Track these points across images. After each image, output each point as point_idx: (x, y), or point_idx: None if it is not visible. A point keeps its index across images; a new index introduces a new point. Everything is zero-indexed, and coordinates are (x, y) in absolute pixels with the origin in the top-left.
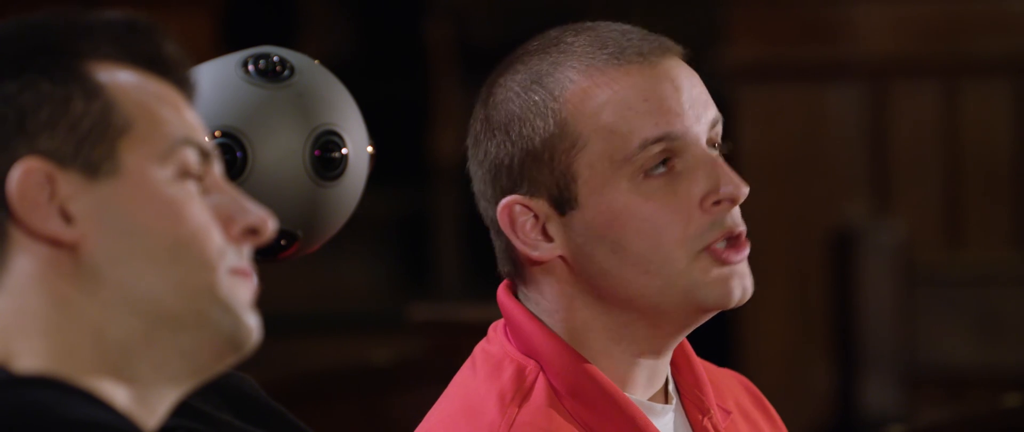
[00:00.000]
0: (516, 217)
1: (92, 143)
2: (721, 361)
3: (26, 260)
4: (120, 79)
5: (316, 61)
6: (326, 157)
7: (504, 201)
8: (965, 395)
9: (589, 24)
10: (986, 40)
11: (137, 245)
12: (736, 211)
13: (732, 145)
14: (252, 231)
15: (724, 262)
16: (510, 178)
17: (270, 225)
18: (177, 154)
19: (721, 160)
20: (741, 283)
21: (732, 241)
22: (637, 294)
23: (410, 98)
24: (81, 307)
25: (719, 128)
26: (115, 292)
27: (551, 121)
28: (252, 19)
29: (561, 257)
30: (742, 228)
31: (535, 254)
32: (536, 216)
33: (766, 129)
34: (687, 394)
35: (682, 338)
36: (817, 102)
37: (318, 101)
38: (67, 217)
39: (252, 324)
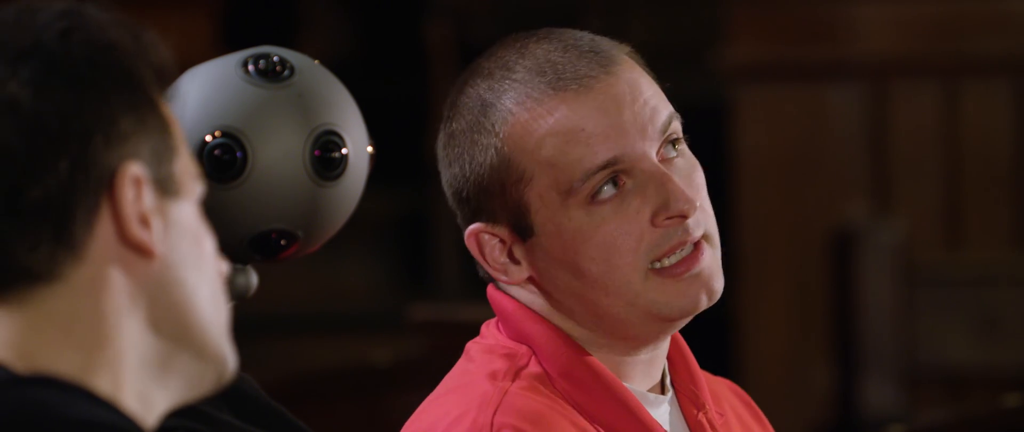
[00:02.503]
0: (484, 244)
1: (161, 160)
2: (721, 362)
3: (103, 263)
4: (161, 96)
5: (316, 61)
6: (326, 157)
7: (470, 229)
8: (965, 395)
9: (540, 37)
10: (986, 40)
11: (191, 272)
12: (690, 219)
13: (690, 138)
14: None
15: (676, 277)
16: (470, 207)
17: (225, 272)
18: (199, 181)
19: (671, 176)
20: (704, 287)
21: (686, 250)
22: (604, 313)
23: (410, 98)
24: (127, 321)
25: (676, 124)
26: (164, 313)
27: (495, 158)
28: (252, 19)
29: (530, 278)
30: (696, 235)
31: (505, 278)
32: (502, 241)
33: (766, 129)
34: (682, 389)
35: (670, 332)
36: (817, 102)
37: (318, 101)
38: (147, 228)
39: (235, 361)
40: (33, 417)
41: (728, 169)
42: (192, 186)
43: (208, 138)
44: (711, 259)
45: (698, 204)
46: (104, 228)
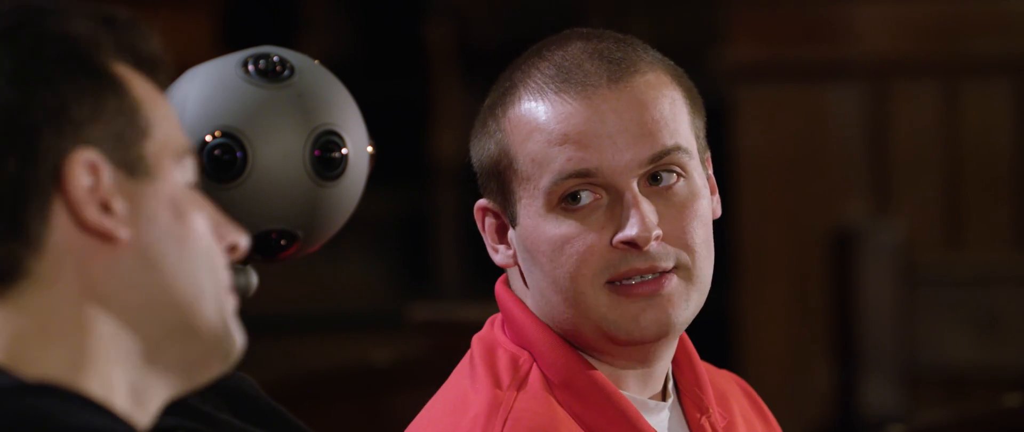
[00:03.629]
0: (485, 219)
1: (126, 142)
2: (721, 360)
3: (65, 253)
4: (133, 79)
5: (316, 61)
6: (326, 157)
7: (478, 203)
8: (965, 395)
9: (588, 34)
10: (986, 40)
11: (169, 252)
12: (657, 249)
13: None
14: (233, 247)
15: (631, 297)
16: (481, 182)
17: (244, 244)
18: (185, 160)
19: (638, 201)
20: (658, 316)
21: (649, 277)
22: (561, 317)
23: (410, 98)
24: (105, 308)
25: (677, 156)
26: (142, 296)
27: (495, 140)
28: (252, 19)
29: (517, 265)
30: (662, 265)
31: (496, 258)
32: (500, 222)
33: (766, 129)
34: (687, 392)
35: (662, 349)
36: (817, 102)
37: (318, 101)
38: (110, 212)
39: (242, 339)
40: (34, 424)
41: (728, 169)
42: (171, 165)
43: (208, 138)
44: (678, 290)
45: (657, 236)
46: (60, 219)
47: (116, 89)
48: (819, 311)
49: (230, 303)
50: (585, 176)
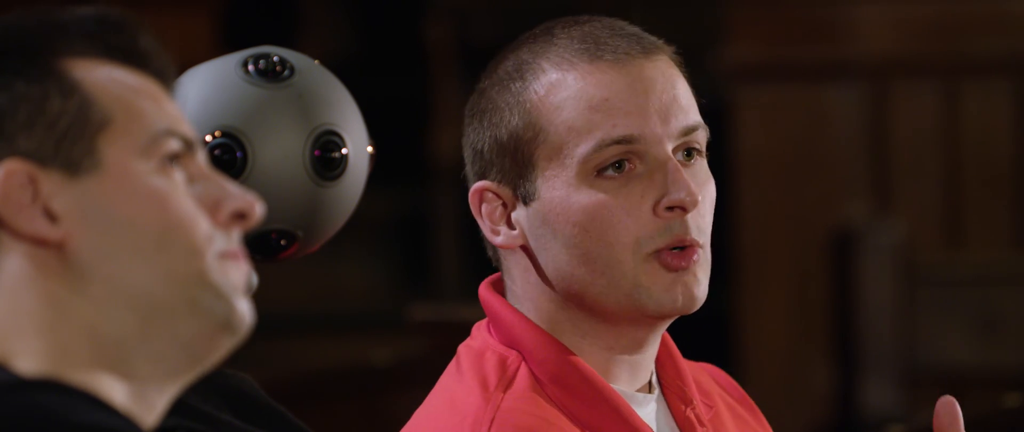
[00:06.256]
0: (485, 202)
1: (71, 141)
2: (721, 360)
3: (15, 261)
4: (97, 75)
5: (316, 61)
6: (326, 157)
7: (476, 185)
8: (965, 395)
9: (590, 18)
10: (986, 40)
11: (123, 239)
12: (691, 221)
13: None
14: (240, 215)
15: (670, 268)
16: (483, 163)
17: (258, 209)
18: (159, 145)
19: (679, 168)
20: (686, 290)
21: (681, 249)
22: (585, 291)
23: (410, 98)
24: (73, 305)
25: (699, 134)
26: (105, 288)
27: (517, 112)
28: (252, 19)
29: (523, 247)
30: (694, 237)
31: (497, 241)
32: (504, 204)
33: (766, 129)
34: (669, 385)
35: (656, 335)
36: (817, 102)
37: (318, 101)
38: (51, 216)
39: (244, 307)
40: (37, 421)
41: (728, 169)
42: (133, 152)
43: (208, 138)
44: (701, 268)
45: (700, 204)
46: (4, 229)
47: (63, 87)
48: (819, 311)
49: (226, 272)
50: (628, 143)
